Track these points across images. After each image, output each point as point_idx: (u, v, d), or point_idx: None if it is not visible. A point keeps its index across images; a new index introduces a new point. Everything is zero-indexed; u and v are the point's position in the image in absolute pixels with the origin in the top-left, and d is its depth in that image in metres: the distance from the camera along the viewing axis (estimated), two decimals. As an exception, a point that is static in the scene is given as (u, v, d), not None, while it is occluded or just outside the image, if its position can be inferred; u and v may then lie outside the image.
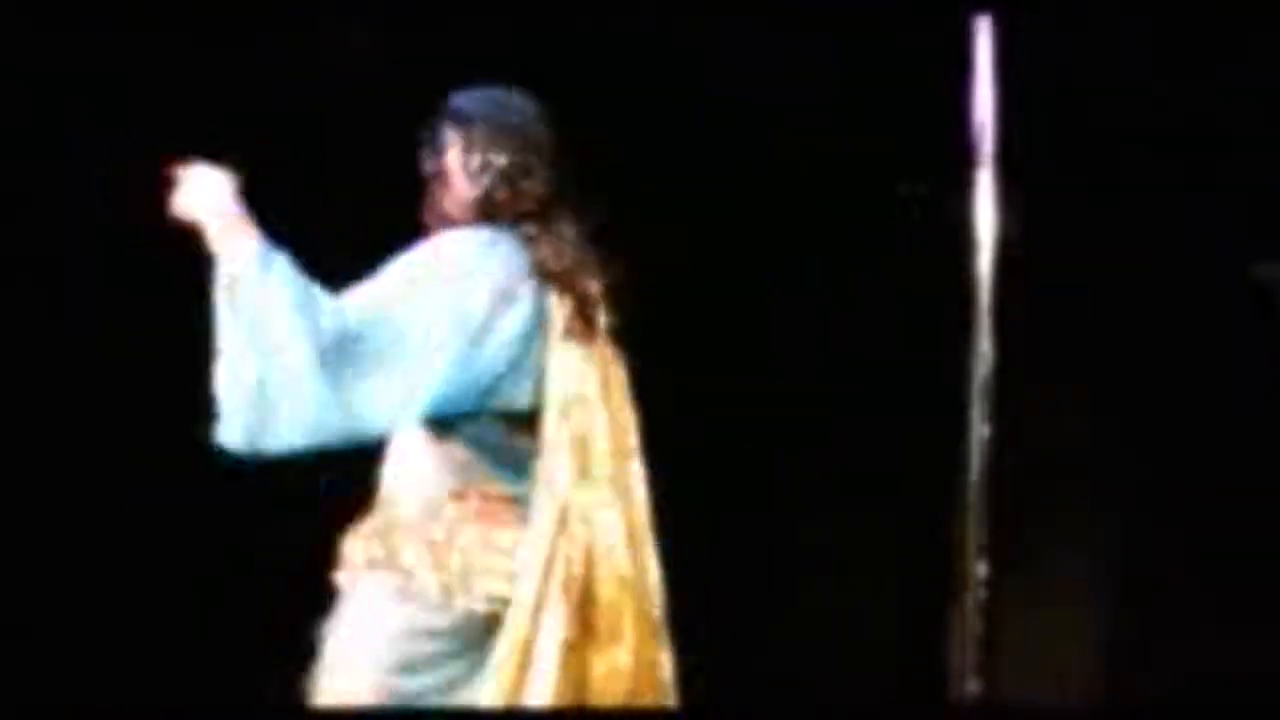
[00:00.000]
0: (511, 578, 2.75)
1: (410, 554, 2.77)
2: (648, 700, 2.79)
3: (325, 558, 2.86)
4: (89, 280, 4.64)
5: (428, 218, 2.97)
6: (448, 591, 2.74)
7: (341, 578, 2.85)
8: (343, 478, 2.86)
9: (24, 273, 4.56)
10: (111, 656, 4.57)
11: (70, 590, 4.58)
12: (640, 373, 2.89)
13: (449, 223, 2.91)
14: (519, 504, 2.81)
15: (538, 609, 2.73)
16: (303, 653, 2.80)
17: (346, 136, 4.47)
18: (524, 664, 2.72)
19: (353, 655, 2.73)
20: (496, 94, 3.02)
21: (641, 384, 2.90)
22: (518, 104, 3.00)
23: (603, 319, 2.92)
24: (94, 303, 4.63)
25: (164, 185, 2.70)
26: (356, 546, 2.84)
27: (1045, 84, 4.14)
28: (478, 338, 2.74)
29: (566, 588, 2.75)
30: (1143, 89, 4.20)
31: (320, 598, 2.84)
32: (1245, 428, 4.24)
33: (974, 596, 3.76)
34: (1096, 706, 4.14)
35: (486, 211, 2.90)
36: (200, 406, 2.74)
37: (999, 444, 3.72)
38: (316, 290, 2.67)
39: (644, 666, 2.81)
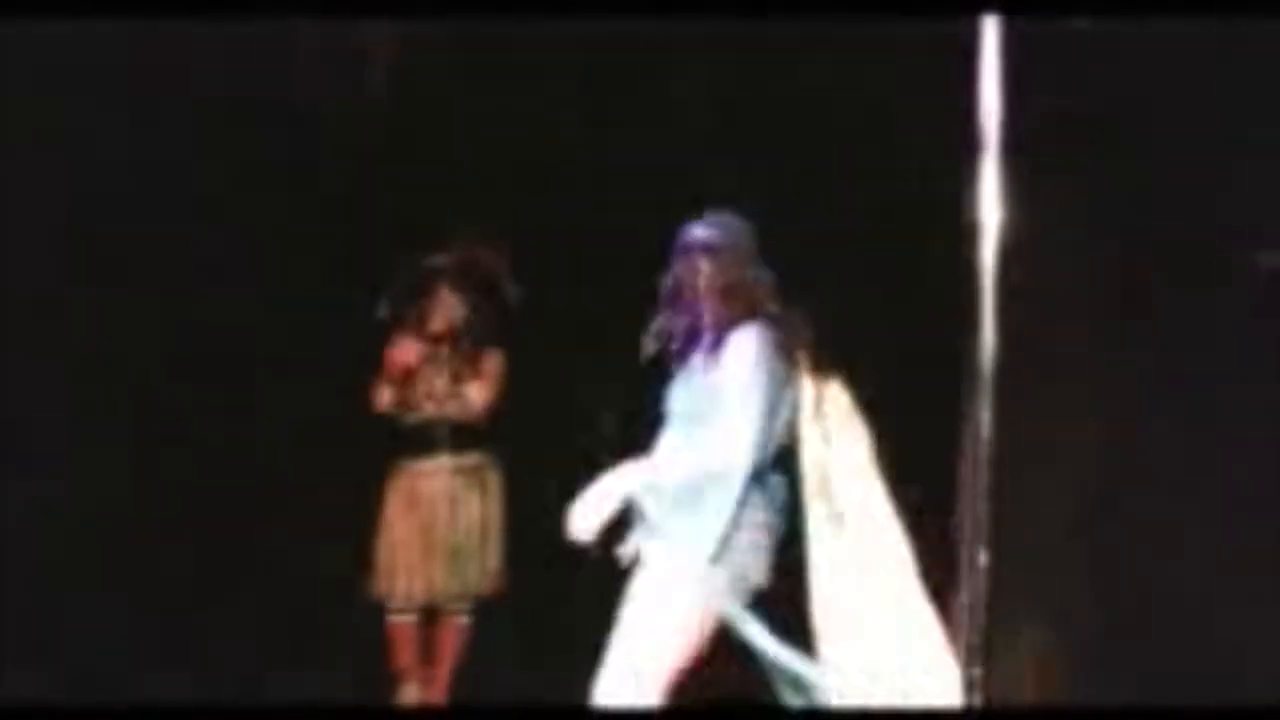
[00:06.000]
0: None
1: None
2: None
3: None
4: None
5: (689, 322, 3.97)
6: None
7: None
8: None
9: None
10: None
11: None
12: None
13: (723, 324, 3.92)
14: None
15: None
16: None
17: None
18: None
19: None
20: (727, 222, 3.99)
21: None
22: (740, 227, 4.00)
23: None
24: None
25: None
26: None
27: (1051, 76, 4.12)
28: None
29: None
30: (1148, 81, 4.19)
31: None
32: (1253, 420, 4.20)
33: (974, 587, 3.73)
34: (1098, 707, 4.10)
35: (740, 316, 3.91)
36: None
37: (1000, 432, 3.69)
38: None
39: None
